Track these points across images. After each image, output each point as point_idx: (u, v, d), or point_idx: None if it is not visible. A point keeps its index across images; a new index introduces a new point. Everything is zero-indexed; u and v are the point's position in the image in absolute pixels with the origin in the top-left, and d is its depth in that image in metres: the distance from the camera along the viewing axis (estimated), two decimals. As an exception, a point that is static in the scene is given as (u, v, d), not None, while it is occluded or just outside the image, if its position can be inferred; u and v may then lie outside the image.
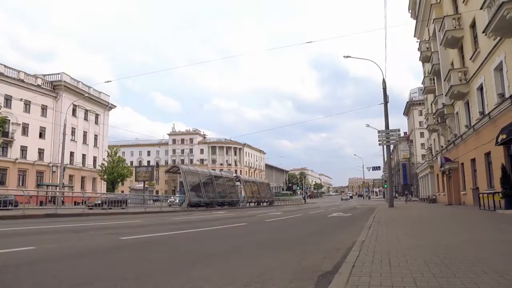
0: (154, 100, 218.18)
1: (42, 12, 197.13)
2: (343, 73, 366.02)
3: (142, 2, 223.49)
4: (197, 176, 28.56)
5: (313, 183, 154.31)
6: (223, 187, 32.18)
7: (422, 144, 57.70)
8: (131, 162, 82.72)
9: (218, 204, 29.81)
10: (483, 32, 14.33)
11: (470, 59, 18.56)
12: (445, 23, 20.46)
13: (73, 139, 45.76)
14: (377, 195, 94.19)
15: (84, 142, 48.68)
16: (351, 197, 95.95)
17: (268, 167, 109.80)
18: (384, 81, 21.91)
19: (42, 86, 42.45)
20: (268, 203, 40.33)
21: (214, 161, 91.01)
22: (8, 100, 38.02)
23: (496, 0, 12.40)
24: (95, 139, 50.88)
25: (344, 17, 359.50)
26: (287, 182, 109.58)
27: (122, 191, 57.45)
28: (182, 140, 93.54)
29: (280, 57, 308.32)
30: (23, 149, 40.35)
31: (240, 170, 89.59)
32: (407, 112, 69.66)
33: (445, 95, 22.55)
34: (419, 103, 58.70)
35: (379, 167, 62.16)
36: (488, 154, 16.70)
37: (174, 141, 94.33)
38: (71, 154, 45.32)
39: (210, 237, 8.05)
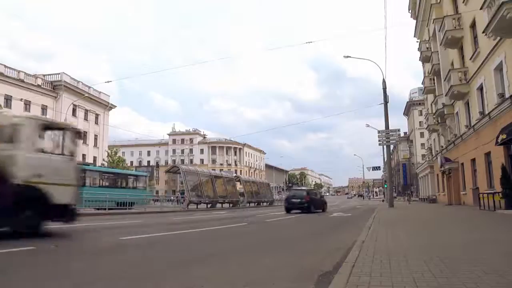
0: (153, 100, 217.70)
1: (42, 12, 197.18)
2: (342, 73, 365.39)
3: (142, 2, 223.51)
4: (197, 176, 28.52)
5: (313, 183, 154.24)
6: (223, 187, 32.16)
7: (422, 144, 57.70)
8: (131, 162, 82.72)
9: (219, 203, 29.82)
10: (483, 32, 14.32)
11: (470, 59, 18.56)
12: (445, 23, 20.46)
13: (73, 139, 45.75)
14: (377, 195, 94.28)
15: (84, 142, 48.64)
16: (354, 195, 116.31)
17: (268, 167, 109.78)
18: (384, 81, 21.90)
19: (42, 86, 42.43)
20: (268, 203, 40.33)
21: (214, 161, 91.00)
22: (8, 100, 38.02)
23: (496, 0, 12.39)
24: (95, 139, 50.89)
25: (344, 17, 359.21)
26: (287, 182, 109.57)
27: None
28: (182, 140, 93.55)
29: (279, 58, 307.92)
30: (23, 149, 40.34)
31: (240, 170, 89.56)
32: (407, 112, 69.70)
33: (445, 95, 22.55)
34: (419, 103, 58.70)
35: (379, 167, 61.95)
36: (488, 154, 16.70)
37: (174, 141, 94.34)
38: (71, 154, 45.32)
39: (210, 237, 8.06)
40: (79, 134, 8.50)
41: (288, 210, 19.53)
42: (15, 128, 6.77)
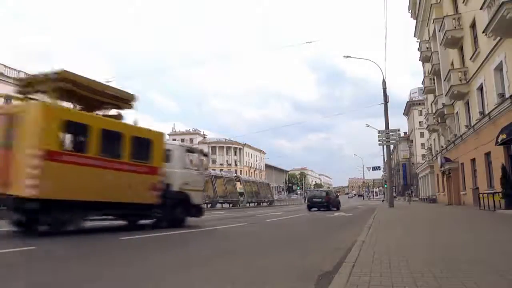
0: (153, 100, 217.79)
1: (42, 12, 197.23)
2: (342, 73, 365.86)
3: (142, 2, 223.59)
4: (197, 176, 28.53)
5: (313, 183, 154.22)
6: (223, 187, 32.13)
7: (422, 144, 57.67)
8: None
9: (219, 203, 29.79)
10: (483, 32, 14.33)
11: (470, 59, 18.55)
12: (445, 23, 20.46)
13: (73, 139, 45.73)
14: (377, 195, 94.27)
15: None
16: (355, 195, 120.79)
17: (268, 167, 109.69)
18: (384, 81, 21.89)
19: (42, 86, 42.54)
20: (268, 203, 40.32)
21: (214, 161, 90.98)
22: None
23: (496, 0, 12.40)
24: (95, 139, 50.91)
25: (344, 17, 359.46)
26: (287, 182, 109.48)
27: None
28: (182, 140, 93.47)
29: (279, 58, 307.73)
30: (23, 149, 40.29)
31: (240, 170, 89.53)
32: (407, 112, 69.68)
33: (445, 95, 22.55)
34: (419, 103, 58.69)
35: (379, 167, 61.92)
36: (488, 154, 16.69)
37: (174, 141, 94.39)
38: (71, 154, 45.28)
39: (210, 237, 8.06)
40: (207, 155, 12.12)
41: (310, 208, 22.46)
42: (171, 152, 9.71)
